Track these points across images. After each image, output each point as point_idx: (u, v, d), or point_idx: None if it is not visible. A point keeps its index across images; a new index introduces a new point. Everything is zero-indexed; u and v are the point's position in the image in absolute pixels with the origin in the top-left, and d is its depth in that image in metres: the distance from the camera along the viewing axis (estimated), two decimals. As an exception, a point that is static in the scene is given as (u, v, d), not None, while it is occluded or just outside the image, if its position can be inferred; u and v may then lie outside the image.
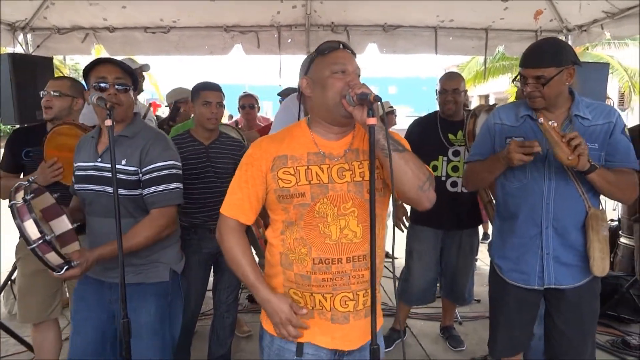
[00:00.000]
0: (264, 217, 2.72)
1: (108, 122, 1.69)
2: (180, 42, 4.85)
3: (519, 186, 2.08)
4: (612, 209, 4.58)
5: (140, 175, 1.95)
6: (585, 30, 4.97)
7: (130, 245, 1.86)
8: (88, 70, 1.97)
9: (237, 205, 1.58)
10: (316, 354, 1.55)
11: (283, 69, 5.24)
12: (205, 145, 2.70)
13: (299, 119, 1.67)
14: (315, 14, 4.85)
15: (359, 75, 1.54)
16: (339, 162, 1.52)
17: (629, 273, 3.95)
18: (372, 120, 1.31)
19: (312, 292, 1.52)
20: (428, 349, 3.29)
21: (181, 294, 2.19)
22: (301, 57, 5.17)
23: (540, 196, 2.03)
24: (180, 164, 2.05)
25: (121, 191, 1.88)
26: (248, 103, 4.55)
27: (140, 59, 4.52)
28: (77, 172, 2.04)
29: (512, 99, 15.47)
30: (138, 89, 2.39)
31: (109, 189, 1.89)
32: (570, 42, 5.27)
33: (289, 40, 5.05)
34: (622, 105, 14.38)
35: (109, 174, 1.84)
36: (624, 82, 12.98)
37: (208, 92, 2.66)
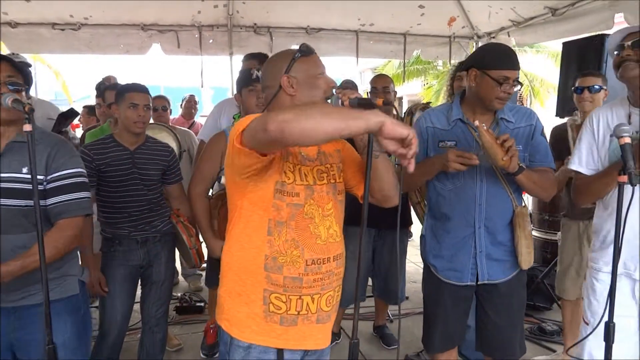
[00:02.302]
0: (194, 225, 2.61)
1: (27, 127, 1.52)
2: (93, 40, 4.55)
3: (452, 188, 2.15)
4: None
5: (45, 184, 1.78)
6: (493, 37, 5.31)
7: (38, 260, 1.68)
8: None
9: None
10: (291, 357, 1.56)
11: (205, 70, 5.12)
12: (130, 150, 2.53)
13: (235, 119, 1.70)
14: (237, 15, 4.77)
15: None
16: (316, 164, 1.57)
17: (541, 264, 4.26)
18: None
19: (301, 294, 1.50)
20: (363, 349, 3.33)
21: (89, 305, 2.09)
22: (224, 58, 5.01)
23: (473, 198, 2.11)
24: (85, 172, 1.92)
25: (26, 202, 1.72)
26: (161, 105, 4.35)
27: (48, 57, 4.19)
28: None
29: (425, 100, 16.19)
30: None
31: (8, 202, 1.71)
32: (480, 48, 5.61)
33: (211, 41, 4.93)
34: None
35: (8, 185, 1.71)
36: (524, 86, 14.10)
37: (134, 93, 2.48)
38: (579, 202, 2.20)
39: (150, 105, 2.54)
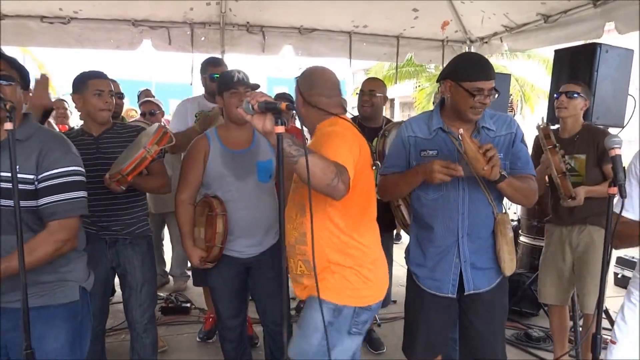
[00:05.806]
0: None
1: (8, 126, 1.47)
2: (82, 34, 4.48)
3: (436, 197, 2.14)
4: (511, 211, 4.91)
5: (37, 183, 1.71)
6: (486, 42, 5.32)
7: (27, 263, 1.60)
8: None
9: None
10: None
11: (195, 68, 5.07)
12: (94, 136, 2.43)
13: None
14: (230, 13, 4.73)
15: None
16: None
17: (529, 270, 4.26)
18: (280, 129, 1.32)
19: None
20: (349, 353, 3.31)
21: (90, 312, 1.98)
22: (214, 56, 4.97)
23: (456, 207, 2.10)
24: (83, 170, 1.83)
25: (23, 203, 1.63)
26: (148, 110, 4.25)
27: (36, 51, 4.13)
28: None
29: (416, 103, 16.23)
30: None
31: (8, 202, 1.64)
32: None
33: (202, 39, 4.88)
34: (511, 112, 15.65)
35: (7, 185, 1.63)
36: (515, 91, 14.14)
37: (98, 80, 2.40)
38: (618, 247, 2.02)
39: (113, 91, 2.47)
